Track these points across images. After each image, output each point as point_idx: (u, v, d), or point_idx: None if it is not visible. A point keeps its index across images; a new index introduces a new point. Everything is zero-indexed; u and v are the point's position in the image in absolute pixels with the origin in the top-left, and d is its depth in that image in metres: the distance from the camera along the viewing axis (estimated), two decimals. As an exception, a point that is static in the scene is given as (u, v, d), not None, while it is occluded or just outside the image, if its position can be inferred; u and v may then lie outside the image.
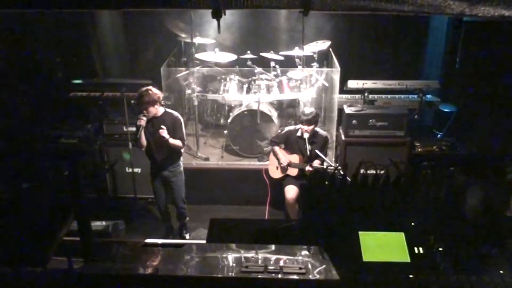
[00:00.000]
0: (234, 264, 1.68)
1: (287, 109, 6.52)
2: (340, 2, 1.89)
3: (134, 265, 1.73)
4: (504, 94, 5.58)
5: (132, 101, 5.26)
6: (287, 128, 5.35)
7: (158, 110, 4.60)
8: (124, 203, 5.79)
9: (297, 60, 6.28)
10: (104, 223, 5.06)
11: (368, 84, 6.11)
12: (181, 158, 4.91)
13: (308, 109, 4.94)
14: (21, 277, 1.61)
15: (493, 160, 2.28)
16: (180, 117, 4.73)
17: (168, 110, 4.75)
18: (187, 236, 5.22)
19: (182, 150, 4.88)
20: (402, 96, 6.27)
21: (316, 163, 4.85)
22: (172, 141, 4.59)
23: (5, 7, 1.96)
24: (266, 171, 5.40)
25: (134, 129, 5.45)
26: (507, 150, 4.86)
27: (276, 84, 6.04)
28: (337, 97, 5.95)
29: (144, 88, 4.57)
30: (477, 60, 6.08)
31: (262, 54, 6.27)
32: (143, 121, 4.52)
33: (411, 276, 1.72)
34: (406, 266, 1.77)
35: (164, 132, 4.51)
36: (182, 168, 4.93)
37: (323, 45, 6.20)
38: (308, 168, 4.84)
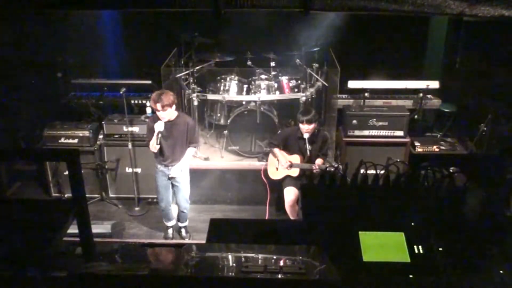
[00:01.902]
0: (234, 264, 1.67)
1: (287, 109, 6.51)
2: (340, 2, 1.90)
3: (134, 265, 1.72)
4: (504, 94, 5.58)
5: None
6: (285, 129, 5.35)
7: (173, 112, 4.58)
8: (124, 203, 5.79)
9: (297, 60, 6.27)
10: (104, 223, 5.08)
11: (368, 84, 6.11)
12: None
13: (306, 109, 4.94)
14: (21, 277, 1.61)
15: (493, 160, 2.28)
16: (193, 120, 4.72)
17: (181, 113, 4.73)
18: (187, 239, 5.22)
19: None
20: (402, 96, 6.28)
21: (320, 161, 4.85)
22: (188, 158, 4.78)
23: (6, 6, 1.96)
24: (265, 172, 5.39)
25: (134, 129, 5.49)
26: (507, 150, 4.86)
27: (276, 84, 6.04)
28: (337, 97, 5.94)
29: (160, 91, 4.50)
30: (477, 60, 6.08)
31: (262, 54, 6.26)
32: (162, 127, 4.44)
33: (411, 276, 1.72)
34: (406, 266, 1.76)
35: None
36: (188, 168, 4.95)
37: (323, 45, 6.19)
38: (313, 167, 4.81)
